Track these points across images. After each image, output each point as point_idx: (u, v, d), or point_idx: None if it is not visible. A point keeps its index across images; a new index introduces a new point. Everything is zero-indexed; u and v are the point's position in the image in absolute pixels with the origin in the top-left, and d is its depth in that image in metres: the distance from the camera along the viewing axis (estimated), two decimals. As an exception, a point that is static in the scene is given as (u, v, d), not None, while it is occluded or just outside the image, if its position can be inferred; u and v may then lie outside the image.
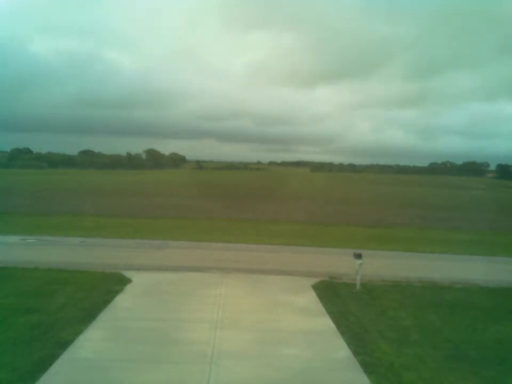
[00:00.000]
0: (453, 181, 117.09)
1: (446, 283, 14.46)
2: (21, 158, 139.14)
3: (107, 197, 43.98)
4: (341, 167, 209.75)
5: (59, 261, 15.19)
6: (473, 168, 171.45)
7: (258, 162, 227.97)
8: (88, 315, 10.14)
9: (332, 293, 12.77)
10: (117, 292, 12.00)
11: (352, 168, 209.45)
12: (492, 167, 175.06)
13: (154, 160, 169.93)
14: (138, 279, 13.52)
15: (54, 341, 8.68)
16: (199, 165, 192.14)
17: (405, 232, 27.57)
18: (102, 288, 12.25)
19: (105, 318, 10.17)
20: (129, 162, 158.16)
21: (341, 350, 8.92)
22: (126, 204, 37.58)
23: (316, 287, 13.31)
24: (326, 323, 10.38)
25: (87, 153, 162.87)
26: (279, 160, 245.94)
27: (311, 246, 20.63)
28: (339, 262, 16.38)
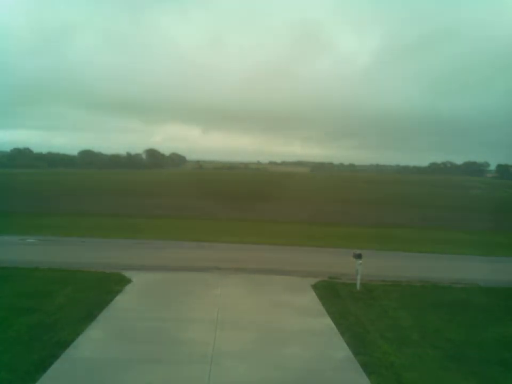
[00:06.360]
0: (453, 180, 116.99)
1: (446, 283, 14.45)
2: (21, 158, 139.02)
3: (107, 196, 43.95)
4: (341, 167, 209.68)
5: (59, 261, 15.19)
6: (473, 168, 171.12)
7: (258, 162, 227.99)
8: (88, 315, 10.14)
9: (332, 293, 12.76)
10: (117, 292, 12.00)
11: (352, 167, 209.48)
12: (492, 167, 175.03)
13: (155, 160, 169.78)
14: (138, 279, 13.52)
15: (54, 341, 8.68)
16: (199, 165, 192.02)
17: (405, 232, 27.55)
18: (102, 288, 12.24)
19: (105, 318, 10.17)
20: (129, 162, 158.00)
21: (341, 350, 8.92)
22: (126, 204, 37.57)
23: (315, 287, 13.30)
24: (326, 323, 10.37)
25: (87, 153, 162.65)
26: (279, 160, 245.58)
27: (311, 246, 20.63)
28: (339, 262, 16.37)
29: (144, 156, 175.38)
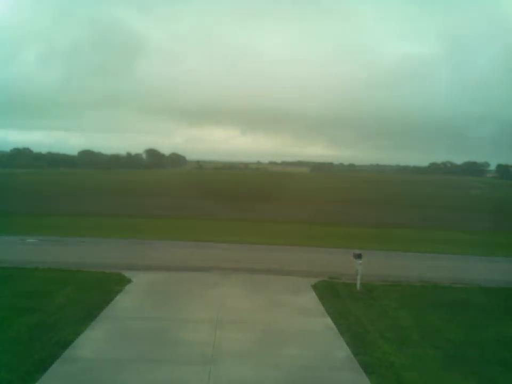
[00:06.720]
0: (453, 180, 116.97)
1: (446, 283, 14.45)
2: (21, 158, 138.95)
3: (107, 196, 43.94)
4: (341, 167, 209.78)
5: (59, 261, 15.20)
6: (473, 168, 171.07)
7: (258, 162, 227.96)
8: (88, 315, 10.15)
9: (332, 293, 12.76)
10: (117, 292, 12.00)
11: (352, 168, 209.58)
12: (492, 167, 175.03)
13: (155, 160, 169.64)
14: (138, 279, 13.51)
15: (54, 341, 8.68)
16: (199, 165, 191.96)
17: (405, 232, 27.55)
18: (102, 288, 12.25)
19: (105, 318, 10.17)
20: (129, 162, 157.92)
21: (341, 350, 8.92)
22: (126, 204, 37.56)
23: (315, 287, 13.30)
24: (326, 323, 10.38)
25: (87, 153, 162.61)
26: (279, 160, 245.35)
27: (311, 246, 20.63)
28: (339, 262, 16.37)
29: (144, 156, 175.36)
